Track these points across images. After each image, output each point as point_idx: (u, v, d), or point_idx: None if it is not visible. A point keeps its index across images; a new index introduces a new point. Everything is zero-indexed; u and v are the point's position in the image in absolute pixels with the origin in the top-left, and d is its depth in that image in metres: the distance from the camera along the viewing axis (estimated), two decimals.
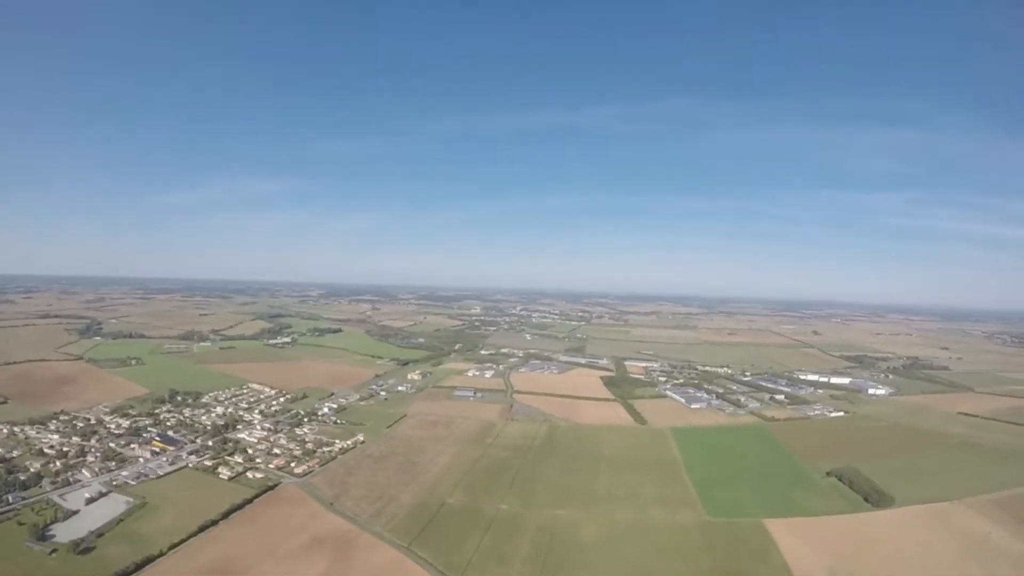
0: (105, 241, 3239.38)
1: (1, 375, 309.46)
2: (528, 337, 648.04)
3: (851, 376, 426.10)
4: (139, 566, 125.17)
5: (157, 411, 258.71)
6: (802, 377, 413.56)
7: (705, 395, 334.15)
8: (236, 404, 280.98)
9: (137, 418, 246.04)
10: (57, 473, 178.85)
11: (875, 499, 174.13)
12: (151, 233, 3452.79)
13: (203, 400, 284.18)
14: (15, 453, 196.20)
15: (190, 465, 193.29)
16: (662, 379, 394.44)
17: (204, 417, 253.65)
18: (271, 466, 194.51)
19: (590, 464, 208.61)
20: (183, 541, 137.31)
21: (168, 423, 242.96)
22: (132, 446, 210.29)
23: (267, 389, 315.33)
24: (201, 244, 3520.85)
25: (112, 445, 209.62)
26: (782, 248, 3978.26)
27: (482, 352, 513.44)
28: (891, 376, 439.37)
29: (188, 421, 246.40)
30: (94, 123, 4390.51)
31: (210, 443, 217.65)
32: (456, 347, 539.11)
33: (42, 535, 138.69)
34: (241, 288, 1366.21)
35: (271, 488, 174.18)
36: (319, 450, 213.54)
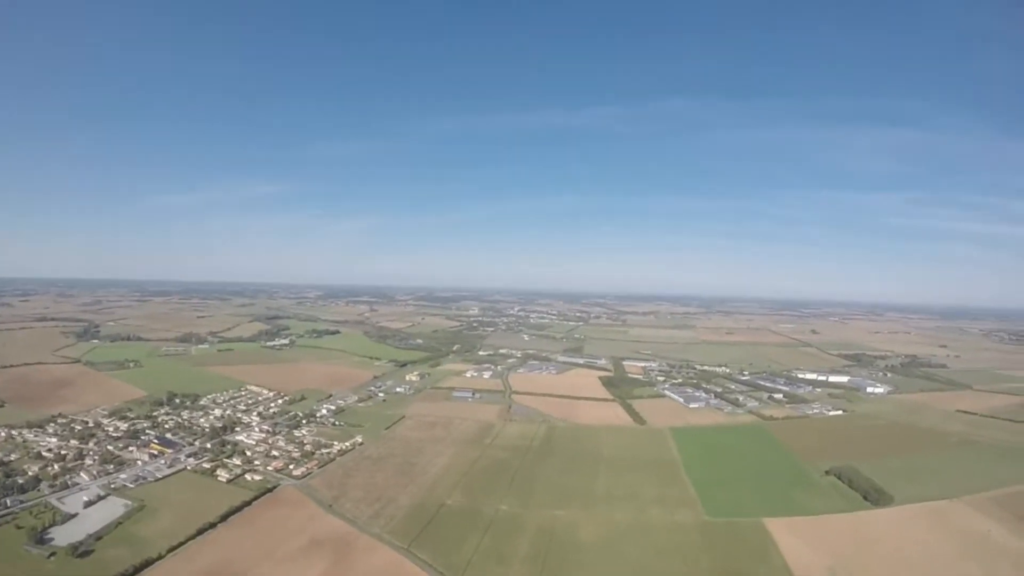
0: (102, 244, 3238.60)
1: None
2: (526, 337, 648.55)
3: (849, 375, 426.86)
4: (138, 569, 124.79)
5: (155, 414, 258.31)
6: (800, 376, 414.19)
7: (703, 394, 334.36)
8: (234, 406, 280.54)
9: (135, 421, 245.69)
10: (55, 476, 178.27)
11: (874, 498, 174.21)
12: (148, 235, 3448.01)
13: (201, 402, 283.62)
14: (13, 456, 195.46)
15: (188, 468, 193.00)
16: (660, 379, 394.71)
17: (202, 419, 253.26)
18: (270, 468, 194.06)
19: (589, 464, 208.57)
20: (182, 544, 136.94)
21: (166, 426, 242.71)
22: (130, 449, 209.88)
23: (265, 391, 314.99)
24: (198, 246, 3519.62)
25: (110, 448, 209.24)
26: (782, 248, 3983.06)
27: (480, 353, 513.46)
28: (889, 374, 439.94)
29: (186, 423, 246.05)
30: (91, 125, 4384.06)
31: (208, 445, 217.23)
32: (454, 348, 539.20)
33: (40, 538, 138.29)
34: (239, 290, 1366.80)
35: (270, 490, 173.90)
36: (317, 452, 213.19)
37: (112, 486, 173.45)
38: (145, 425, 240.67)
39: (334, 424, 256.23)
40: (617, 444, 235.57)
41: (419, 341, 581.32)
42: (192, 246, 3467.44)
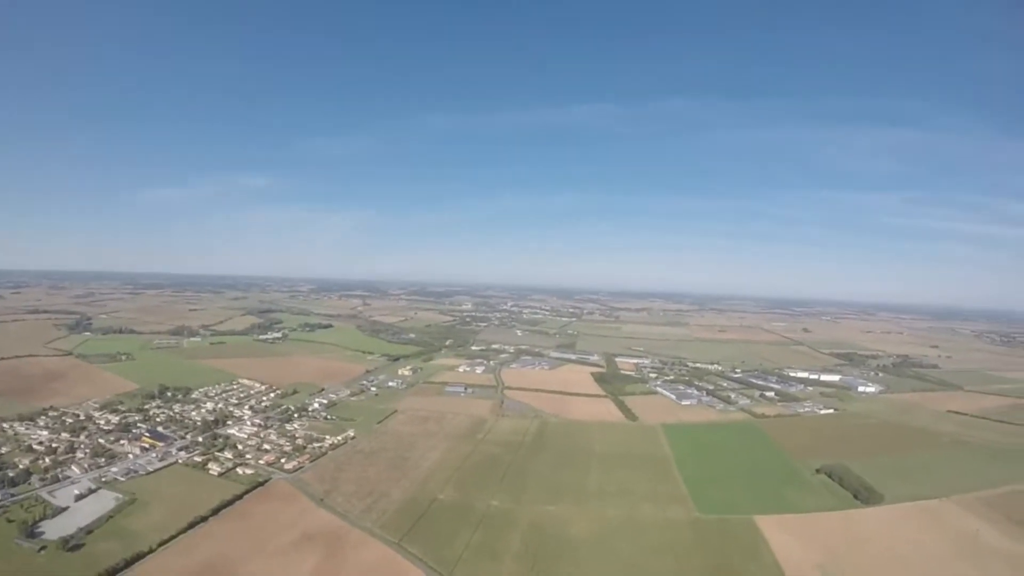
0: (95, 236, 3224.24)
1: None
2: (519, 333, 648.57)
3: (841, 374, 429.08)
4: (129, 563, 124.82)
5: (147, 407, 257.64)
6: (792, 374, 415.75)
7: (696, 392, 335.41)
8: (226, 400, 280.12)
9: (127, 414, 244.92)
10: (46, 470, 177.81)
11: (865, 496, 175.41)
12: (142, 228, 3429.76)
13: (193, 396, 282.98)
14: (4, 450, 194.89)
15: (180, 461, 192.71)
16: (653, 375, 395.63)
17: (194, 413, 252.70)
18: (261, 462, 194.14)
19: (581, 460, 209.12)
20: (173, 538, 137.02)
21: (158, 419, 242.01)
22: (122, 442, 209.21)
23: (257, 384, 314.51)
24: (192, 239, 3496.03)
25: (101, 441, 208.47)
26: (777, 247, 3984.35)
27: (473, 348, 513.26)
28: (881, 374, 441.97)
29: (178, 417, 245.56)
30: (86, 120, 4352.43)
31: (200, 439, 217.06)
32: (447, 343, 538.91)
33: (31, 532, 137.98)
34: (231, 283, 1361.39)
35: (261, 484, 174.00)
36: (309, 446, 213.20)
37: (103, 479, 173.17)
38: (137, 418, 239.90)
39: (326, 418, 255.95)
40: (609, 440, 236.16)
41: (412, 336, 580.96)
42: (185, 239, 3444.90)
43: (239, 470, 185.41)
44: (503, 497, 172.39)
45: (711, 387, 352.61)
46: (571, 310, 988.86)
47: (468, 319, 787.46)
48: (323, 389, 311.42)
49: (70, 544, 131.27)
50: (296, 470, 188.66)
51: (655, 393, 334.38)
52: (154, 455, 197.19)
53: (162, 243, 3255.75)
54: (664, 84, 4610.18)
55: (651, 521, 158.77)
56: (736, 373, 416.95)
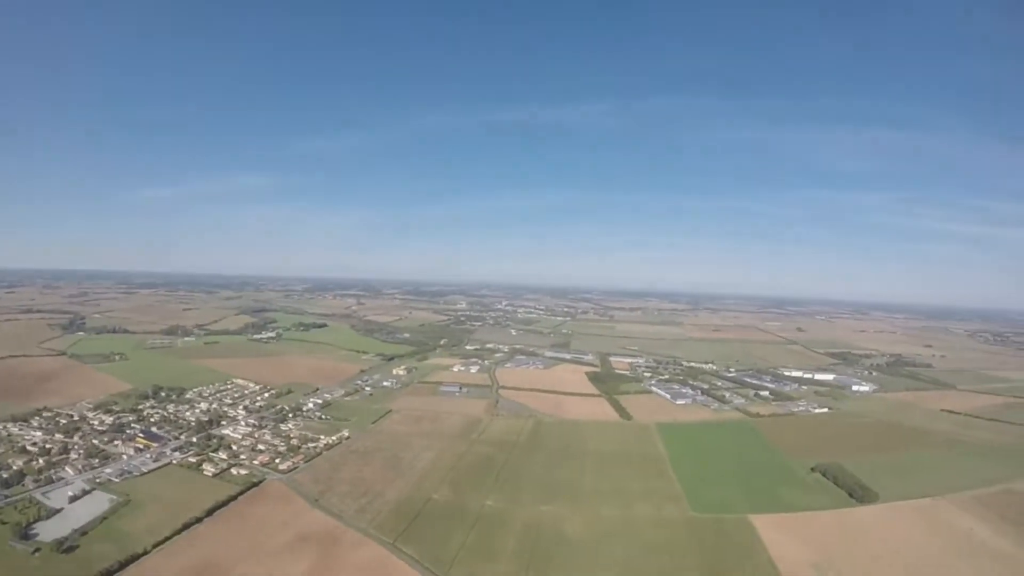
0: (89, 235, 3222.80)
1: None
2: (513, 332, 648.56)
3: (835, 373, 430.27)
4: (123, 565, 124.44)
5: (141, 407, 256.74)
6: (787, 374, 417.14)
7: (690, 391, 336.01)
8: (220, 400, 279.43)
9: (121, 414, 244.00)
10: (40, 471, 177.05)
11: (860, 495, 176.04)
12: (135, 227, 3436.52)
13: (187, 396, 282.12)
14: None
15: (174, 462, 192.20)
16: (647, 375, 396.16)
17: (188, 413, 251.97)
18: (255, 462, 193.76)
19: (576, 460, 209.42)
20: (167, 539, 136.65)
21: (152, 419, 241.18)
22: (115, 443, 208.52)
23: (251, 384, 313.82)
24: (185, 238, 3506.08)
25: (95, 442, 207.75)
26: (770, 246, 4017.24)
27: (467, 347, 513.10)
28: (875, 373, 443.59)
29: (172, 417, 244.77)
30: (80, 118, 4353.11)
31: (194, 439, 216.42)
32: (441, 342, 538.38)
33: (25, 534, 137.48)
34: (225, 282, 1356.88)
35: (256, 485, 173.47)
36: (304, 446, 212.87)
37: (97, 480, 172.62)
38: (131, 419, 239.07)
39: (321, 418, 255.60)
40: (604, 440, 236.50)
41: (406, 335, 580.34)
42: (179, 238, 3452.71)
43: (233, 471, 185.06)
44: (498, 497, 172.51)
45: (706, 386, 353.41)
46: (565, 309, 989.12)
47: (463, 318, 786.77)
48: (317, 389, 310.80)
49: (64, 546, 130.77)
50: (291, 470, 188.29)
51: (650, 392, 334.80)
52: (148, 456, 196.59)
53: (156, 242, 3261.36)
54: (659, 83, 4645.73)
55: (646, 520, 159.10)
56: (731, 372, 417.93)
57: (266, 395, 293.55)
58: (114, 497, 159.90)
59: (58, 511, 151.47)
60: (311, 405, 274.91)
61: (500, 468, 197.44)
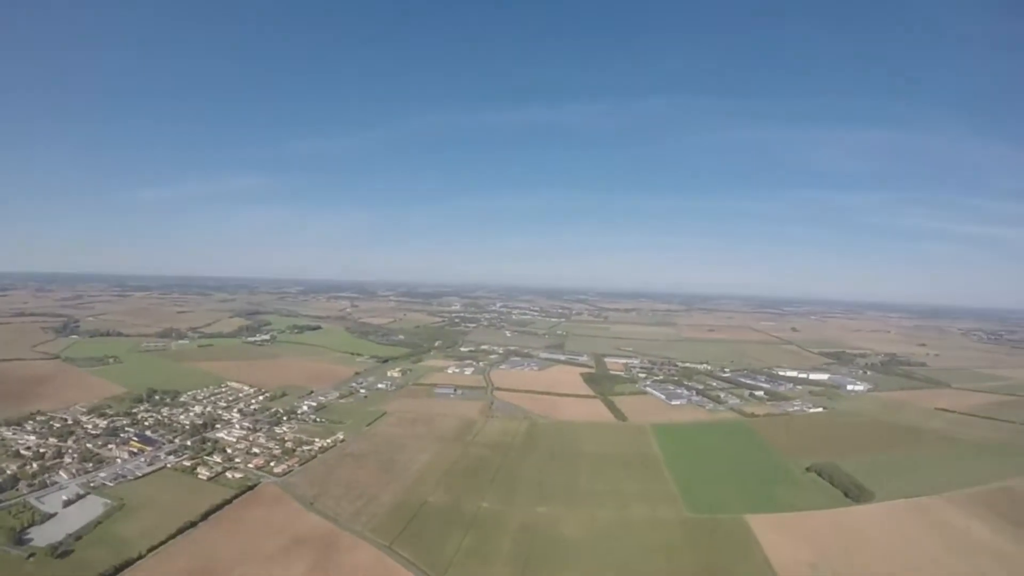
0: (82, 237, 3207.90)
1: None
2: (508, 334, 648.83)
3: (830, 372, 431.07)
4: (118, 569, 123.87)
5: (135, 411, 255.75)
6: (781, 373, 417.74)
7: (685, 391, 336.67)
8: (215, 403, 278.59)
9: (115, 418, 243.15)
10: (34, 475, 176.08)
11: (855, 494, 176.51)
12: (129, 229, 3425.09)
13: (181, 399, 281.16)
14: None
15: (168, 465, 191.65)
16: (642, 375, 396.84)
17: (182, 416, 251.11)
18: (250, 466, 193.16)
19: (571, 461, 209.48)
20: (162, 543, 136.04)
21: (146, 423, 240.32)
22: (110, 447, 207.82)
23: (246, 387, 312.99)
24: (179, 240, 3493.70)
25: (89, 446, 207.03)
26: (763, 246, 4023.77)
27: (462, 349, 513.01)
28: (869, 372, 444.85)
29: (166, 420, 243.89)
30: (73, 119, 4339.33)
31: (189, 443, 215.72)
32: (436, 344, 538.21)
33: (19, 539, 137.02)
34: (219, 285, 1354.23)
35: (250, 488, 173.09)
36: (299, 449, 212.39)
37: (91, 485, 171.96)
38: (125, 422, 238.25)
39: (315, 421, 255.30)
40: (599, 441, 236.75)
41: (401, 337, 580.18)
42: (173, 240, 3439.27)
43: (228, 474, 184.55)
44: (493, 499, 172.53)
45: (700, 387, 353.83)
46: (560, 311, 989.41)
47: (457, 320, 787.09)
48: (312, 391, 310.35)
49: (59, 551, 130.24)
50: (285, 473, 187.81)
51: (644, 393, 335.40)
52: (142, 460, 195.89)
53: (150, 244, 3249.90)
54: (648, 83, 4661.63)
55: (642, 521, 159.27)
56: (725, 373, 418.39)
57: (261, 398, 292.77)
58: (108, 501, 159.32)
59: (52, 516, 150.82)
60: (306, 408, 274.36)
61: (495, 470, 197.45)
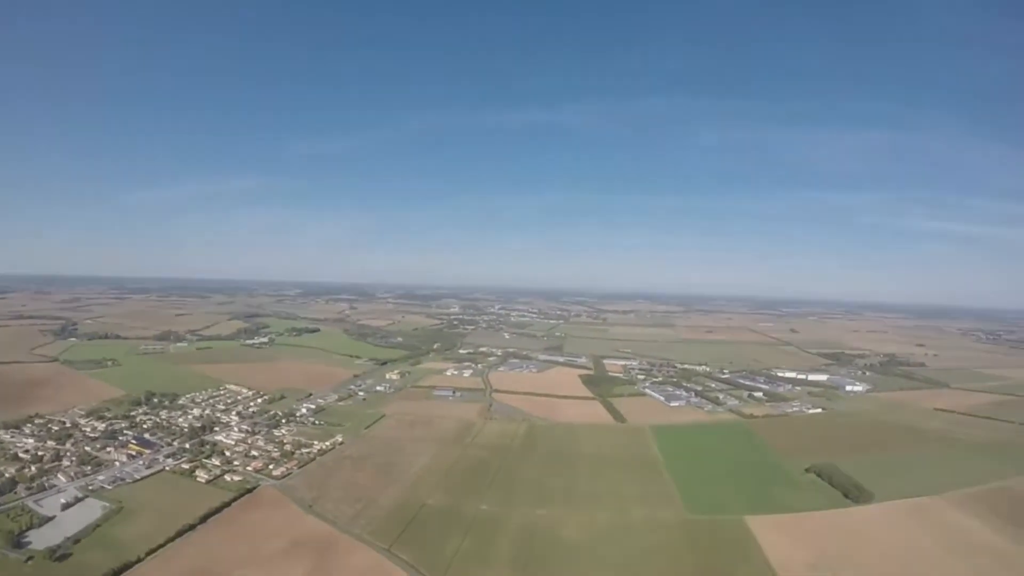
0: (80, 240, 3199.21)
1: None
2: (507, 336, 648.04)
3: (829, 373, 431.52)
4: (117, 572, 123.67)
5: (133, 413, 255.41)
6: (780, 374, 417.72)
7: (684, 393, 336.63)
8: (213, 406, 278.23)
9: (113, 421, 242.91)
10: (32, 478, 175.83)
11: (855, 495, 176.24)
12: (127, 231, 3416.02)
13: (180, 402, 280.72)
14: None
15: (167, 468, 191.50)
16: (641, 377, 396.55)
17: (181, 419, 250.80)
18: (249, 468, 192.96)
19: (570, 463, 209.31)
20: (161, 546, 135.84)
21: (144, 426, 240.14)
22: (108, 449, 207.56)
23: (244, 390, 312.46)
24: (177, 242, 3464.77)
25: (88, 449, 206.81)
26: (765, 248, 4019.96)
27: (461, 351, 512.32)
28: (868, 373, 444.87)
29: (165, 423, 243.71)
30: (70, 120, 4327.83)
31: (187, 446, 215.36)
32: (435, 346, 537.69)
33: (17, 542, 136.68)
34: (217, 287, 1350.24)
35: (249, 491, 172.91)
36: (297, 451, 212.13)
37: (90, 488, 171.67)
38: (123, 425, 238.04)
39: (314, 423, 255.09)
40: (598, 442, 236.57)
41: (399, 339, 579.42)
42: (171, 242, 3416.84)
43: (227, 477, 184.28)
44: (492, 501, 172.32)
45: (699, 388, 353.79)
46: (558, 312, 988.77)
47: (456, 322, 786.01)
48: (311, 394, 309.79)
49: (57, 554, 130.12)
50: (284, 476, 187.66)
51: (643, 395, 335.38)
52: (141, 462, 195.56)
53: (148, 246, 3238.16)
54: (646, 83, 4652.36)
55: (641, 523, 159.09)
56: (724, 374, 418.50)
57: (259, 401, 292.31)
58: (107, 504, 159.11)
59: (50, 519, 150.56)
60: (304, 410, 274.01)
61: (494, 472, 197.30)
